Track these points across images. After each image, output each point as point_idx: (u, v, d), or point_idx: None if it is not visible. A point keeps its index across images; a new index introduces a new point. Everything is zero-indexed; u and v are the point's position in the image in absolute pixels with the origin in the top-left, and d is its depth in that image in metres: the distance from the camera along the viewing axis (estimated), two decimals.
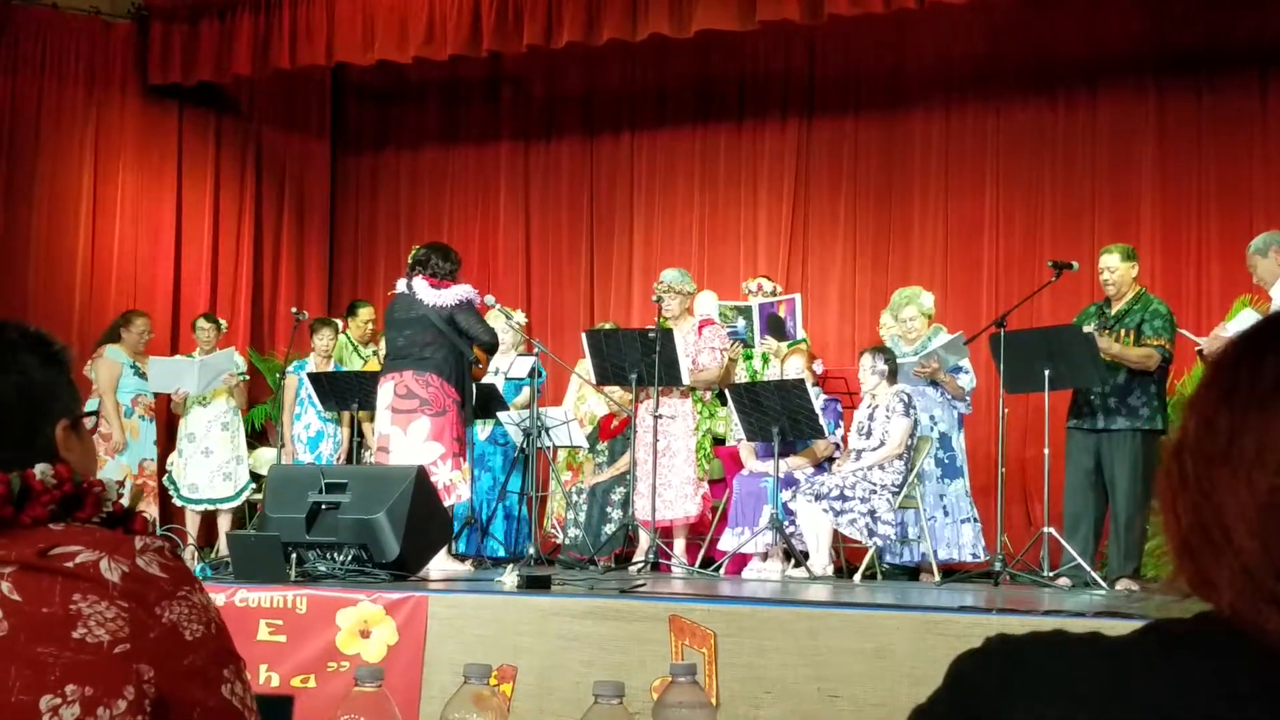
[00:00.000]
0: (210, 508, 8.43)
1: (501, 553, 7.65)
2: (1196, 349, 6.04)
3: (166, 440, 8.76)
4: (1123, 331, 6.28)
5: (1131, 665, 0.88)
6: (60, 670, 1.23)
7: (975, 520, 6.97)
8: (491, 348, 6.92)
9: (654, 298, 7.14)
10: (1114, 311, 6.39)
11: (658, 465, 6.84)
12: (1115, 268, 6.41)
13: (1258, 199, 8.34)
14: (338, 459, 8.32)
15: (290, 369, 8.54)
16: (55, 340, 1.51)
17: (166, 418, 8.84)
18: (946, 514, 6.96)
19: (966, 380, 7.11)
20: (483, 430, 7.98)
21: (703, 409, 7.26)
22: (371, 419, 8.34)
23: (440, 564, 5.95)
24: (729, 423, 7.56)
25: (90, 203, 9.60)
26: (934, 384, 7.02)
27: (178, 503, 8.45)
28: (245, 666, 1.36)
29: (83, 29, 9.65)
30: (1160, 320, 6.27)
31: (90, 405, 8.24)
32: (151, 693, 1.26)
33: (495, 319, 7.94)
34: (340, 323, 8.89)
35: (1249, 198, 8.38)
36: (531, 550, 6.81)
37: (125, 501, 1.40)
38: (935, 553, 6.69)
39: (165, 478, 8.52)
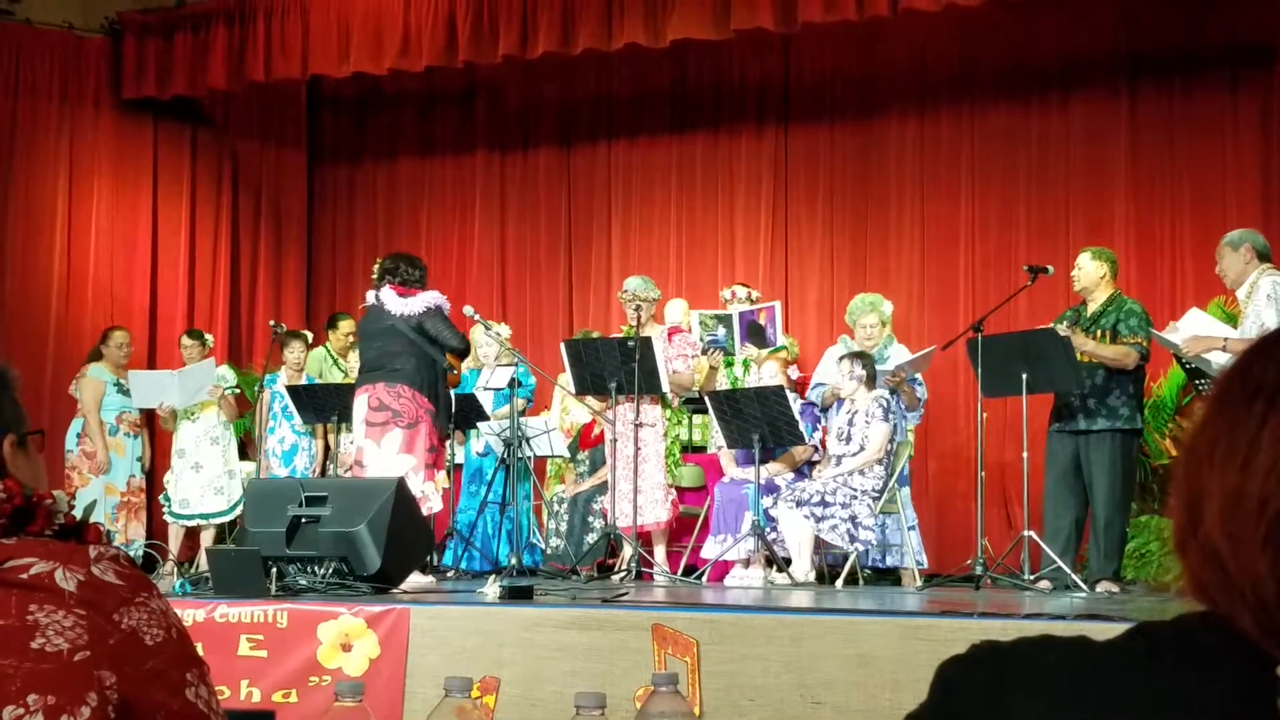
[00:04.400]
0: (202, 523, 8.36)
1: (488, 564, 7.62)
2: (1185, 353, 6.05)
3: (161, 456, 8.72)
4: (1099, 333, 6.32)
5: (1119, 669, 0.89)
6: (21, 680, 1.22)
7: (915, 528, 7.07)
8: (463, 353, 6.89)
9: (633, 307, 7.14)
10: (1089, 313, 6.43)
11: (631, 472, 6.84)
12: (1084, 265, 6.47)
13: (1230, 200, 8.40)
14: (313, 472, 8.28)
15: (264, 383, 8.50)
16: None
17: (154, 434, 8.79)
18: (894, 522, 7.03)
19: (921, 391, 7.24)
20: (476, 443, 7.96)
21: (671, 415, 7.27)
22: (340, 431, 8.33)
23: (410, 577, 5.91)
24: (709, 430, 7.58)
25: (65, 217, 9.55)
26: (892, 393, 7.07)
27: (169, 519, 8.39)
28: (209, 671, 1.36)
29: (56, 43, 9.60)
30: (1135, 319, 6.32)
31: (76, 423, 8.21)
32: (114, 698, 1.26)
33: (476, 331, 7.93)
34: (310, 335, 8.85)
35: (1222, 199, 8.44)
36: (514, 561, 6.79)
37: (77, 514, 1.40)
38: (884, 558, 6.80)
39: (162, 495, 8.47)
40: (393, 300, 6.33)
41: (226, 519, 8.36)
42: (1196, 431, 0.91)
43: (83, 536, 1.37)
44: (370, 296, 6.52)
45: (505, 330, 8.33)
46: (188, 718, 1.31)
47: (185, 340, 8.68)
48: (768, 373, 7.29)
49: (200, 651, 1.39)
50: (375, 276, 6.59)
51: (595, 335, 8.10)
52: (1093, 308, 6.44)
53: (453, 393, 7.08)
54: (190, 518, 8.34)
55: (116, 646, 1.28)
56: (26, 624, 1.25)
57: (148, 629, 1.31)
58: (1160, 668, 0.87)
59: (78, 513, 1.40)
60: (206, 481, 8.33)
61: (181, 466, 8.35)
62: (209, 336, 8.84)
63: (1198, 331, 6.00)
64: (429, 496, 6.28)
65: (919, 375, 7.27)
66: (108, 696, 1.25)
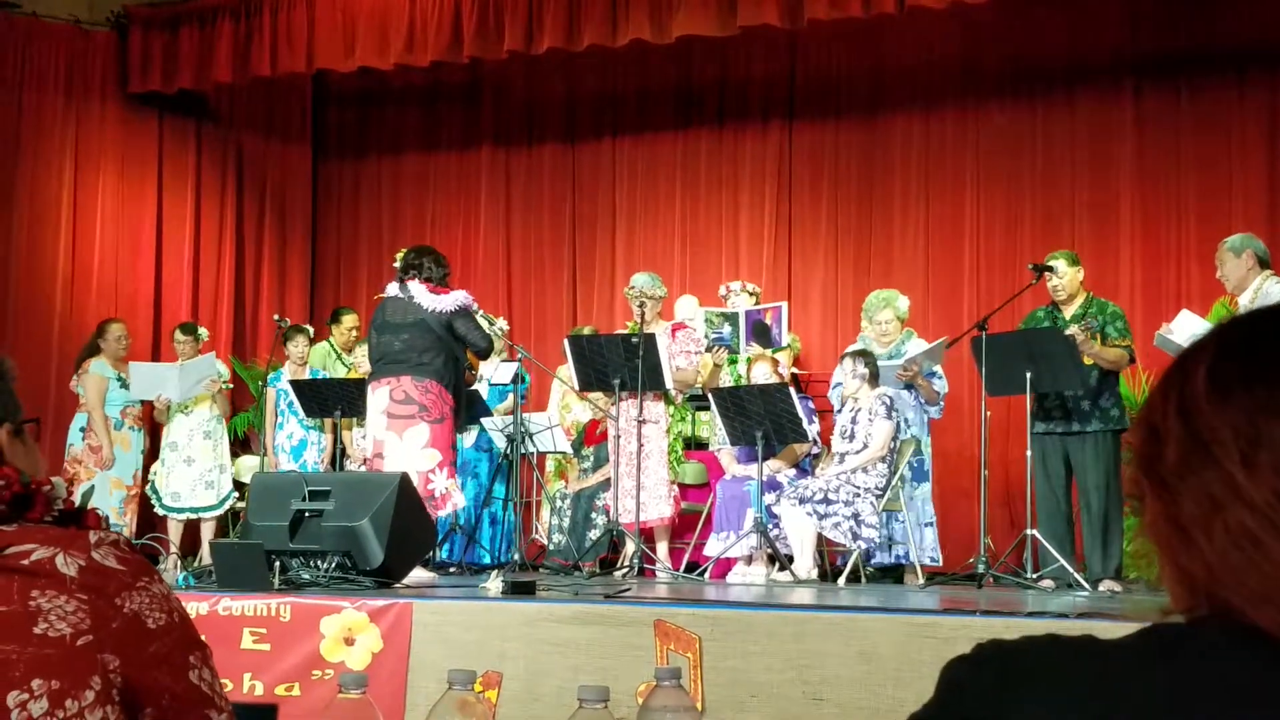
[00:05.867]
0: (193, 516, 8.37)
1: (487, 559, 7.63)
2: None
3: (151, 449, 8.72)
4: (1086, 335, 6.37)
5: (1130, 668, 0.88)
6: (25, 666, 1.23)
7: (933, 525, 7.05)
8: (487, 354, 6.91)
9: (638, 303, 7.13)
10: (1068, 316, 6.46)
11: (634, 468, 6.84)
12: (1064, 273, 6.51)
13: (1236, 201, 8.40)
14: (323, 467, 8.27)
15: (269, 378, 8.50)
16: None
17: (150, 426, 8.80)
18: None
19: (940, 385, 7.19)
20: (467, 437, 7.97)
21: (674, 412, 7.27)
22: (351, 428, 8.33)
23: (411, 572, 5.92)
24: (712, 427, 7.57)
25: (70, 211, 9.55)
26: (909, 388, 7.06)
27: (160, 511, 8.40)
28: (211, 654, 1.37)
29: (62, 37, 9.61)
30: (1121, 322, 6.44)
31: (80, 421, 8.22)
32: (118, 682, 1.27)
33: None
34: (311, 330, 8.85)
35: (1227, 200, 8.44)
36: (516, 556, 6.80)
37: (76, 500, 1.41)
38: (907, 555, 6.75)
39: (148, 486, 8.47)
40: (424, 295, 6.32)
41: (217, 513, 8.36)
42: (1215, 437, 0.88)
43: (82, 522, 1.37)
44: (393, 288, 6.48)
45: (504, 325, 8.34)
46: (191, 700, 1.32)
47: (178, 335, 8.66)
48: (759, 373, 7.28)
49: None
50: (399, 267, 6.56)
51: (588, 331, 8.11)
52: (1071, 310, 6.49)
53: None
54: (181, 511, 8.34)
55: (119, 630, 1.28)
56: (29, 610, 1.25)
57: (150, 613, 1.31)
58: (1173, 668, 0.87)
59: (76, 499, 1.40)
60: (198, 475, 8.33)
61: (173, 460, 8.35)
62: (203, 331, 8.83)
63: (1194, 333, 6.01)
64: (453, 493, 6.28)
65: (939, 369, 7.20)
66: (111, 680, 1.26)
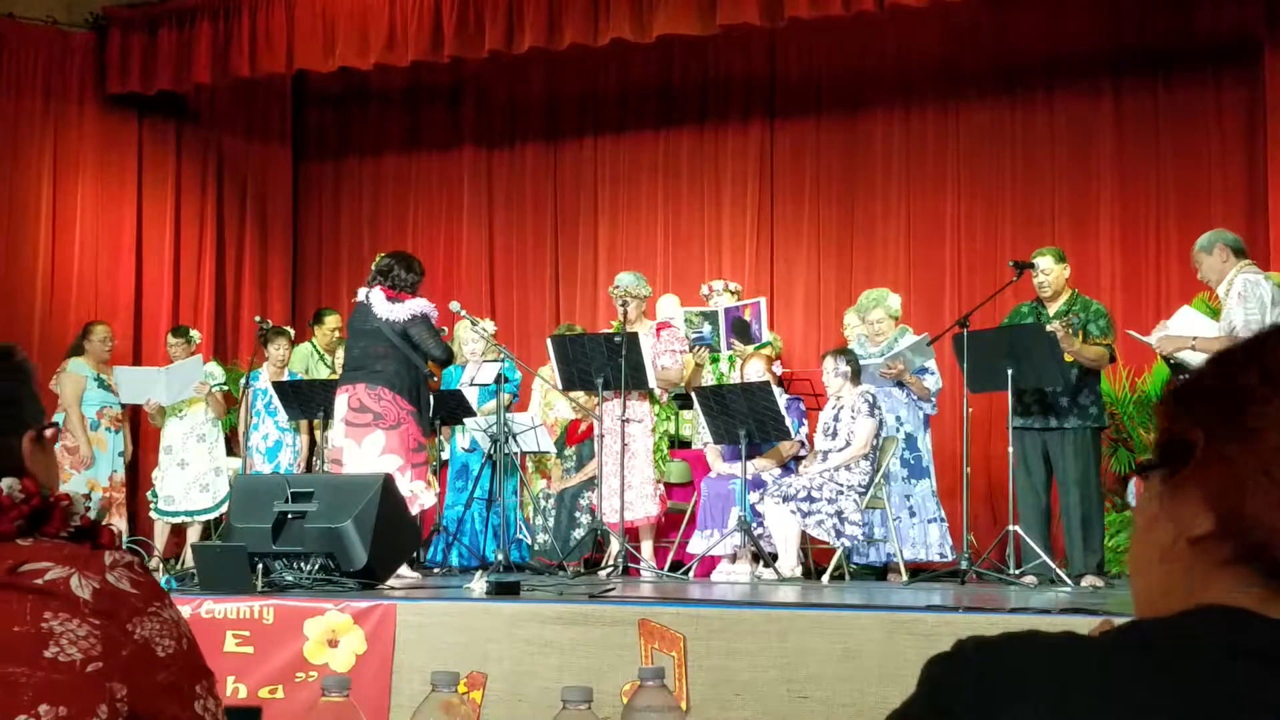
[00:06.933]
0: (186, 520, 8.33)
1: (474, 561, 7.62)
2: (1159, 352, 6.09)
3: (146, 452, 8.68)
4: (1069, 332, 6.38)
5: (1112, 664, 0.88)
6: (33, 690, 1.21)
7: (942, 520, 7.02)
8: (445, 363, 6.90)
9: (620, 303, 7.13)
10: (1052, 312, 6.48)
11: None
12: (1050, 269, 6.50)
13: (1215, 196, 8.44)
14: (297, 468, 8.26)
15: (248, 379, 8.47)
16: (17, 351, 1.49)
17: (141, 429, 8.76)
18: (913, 514, 7.00)
19: (932, 381, 7.16)
20: (461, 439, 7.96)
21: (660, 411, 7.27)
22: (325, 427, 8.32)
23: (398, 571, 5.92)
24: (695, 426, 7.57)
25: (49, 213, 9.51)
26: (900, 385, 7.06)
27: (154, 515, 8.37)
28: (216, 681, 1.36)
29: (40, 38, 9.55)
30: (1105, 320, 6.44)
31: (57, 418, 8.18)
32: (125, 710, 1.25)
33: (463, 327, 7.94)
34: (292, 331, 8.82)
35: (1207, 195, 8.48)
36: (500, 556, 6.79)
37: (92, 515, 1.39)
38: (901, 552, 6.73)
39: (150, 491, 8.45)
40: (380, 303, 6.33)
41: (211, 516, 8.32)
42: (1244, 446, 0.89)
43: (97, 539, 1.35)
44: (361, 294, 6.52)
45: (491, 326, 8.33)
46: None
47: (170, 338, 8.66)
48: (753, 371, 7.29)
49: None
50: (371, 274, 6.59)
51: (578, 330, 8.10)
52: (1056, 306, 6.50)
53: (432, 396, 7.07)
54: (175, 514, 8.31)
55: (129, 658, 1.27)
56: (40, 632, 1.24)
57: (160, 640, 1.30)
58: (1158, 665, 0.87)
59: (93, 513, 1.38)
60: (192, 479, 8.30)
61: (168, 463, 8.34)
62: (195, 333, 8.79)
63: (1181, 330, 6.03)
64: (418, 494, 6.28)
65: (931, 364, 7.18)
66: (118, 709, 1.25)
